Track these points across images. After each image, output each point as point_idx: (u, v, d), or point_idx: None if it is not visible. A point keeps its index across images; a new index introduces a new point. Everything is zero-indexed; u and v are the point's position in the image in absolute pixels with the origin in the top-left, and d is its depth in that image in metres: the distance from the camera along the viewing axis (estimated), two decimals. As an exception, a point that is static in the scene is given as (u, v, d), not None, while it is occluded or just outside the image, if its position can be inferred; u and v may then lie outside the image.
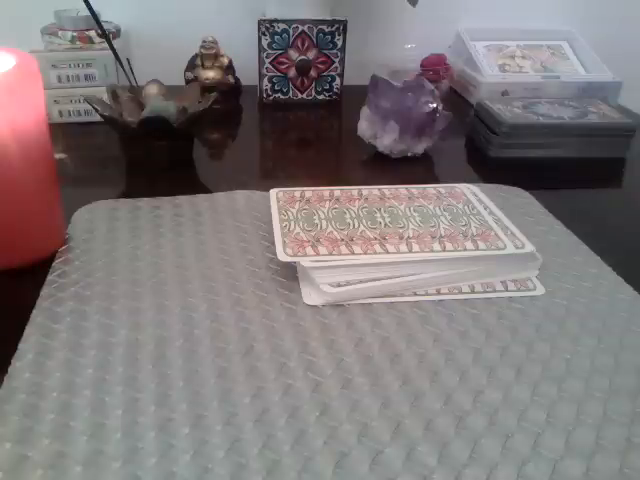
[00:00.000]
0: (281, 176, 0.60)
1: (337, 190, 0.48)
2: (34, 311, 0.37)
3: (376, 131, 0.62)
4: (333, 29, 0.75)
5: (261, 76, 0.78)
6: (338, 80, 0.79)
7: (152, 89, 0.61)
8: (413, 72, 0.79)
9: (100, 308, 0.38)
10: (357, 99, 0.66)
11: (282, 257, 0.40)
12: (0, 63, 0.37)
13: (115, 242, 0.45)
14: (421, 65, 0.84)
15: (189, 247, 0.45)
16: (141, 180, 0.57)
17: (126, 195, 0.52)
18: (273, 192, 0.48)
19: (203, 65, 0.77)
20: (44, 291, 0.39)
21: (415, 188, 0.49)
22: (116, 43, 0.66)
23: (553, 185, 0.59)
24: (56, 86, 0.67)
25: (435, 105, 0.60)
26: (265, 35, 0.75)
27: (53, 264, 0.42)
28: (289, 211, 0.45)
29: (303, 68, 0.77)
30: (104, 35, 0.58)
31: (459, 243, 0.42)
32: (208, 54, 0.76)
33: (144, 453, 0.28)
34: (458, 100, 0.85)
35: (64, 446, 0.28)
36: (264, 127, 0.75)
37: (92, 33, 0.71)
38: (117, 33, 0.75)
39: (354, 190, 0.48)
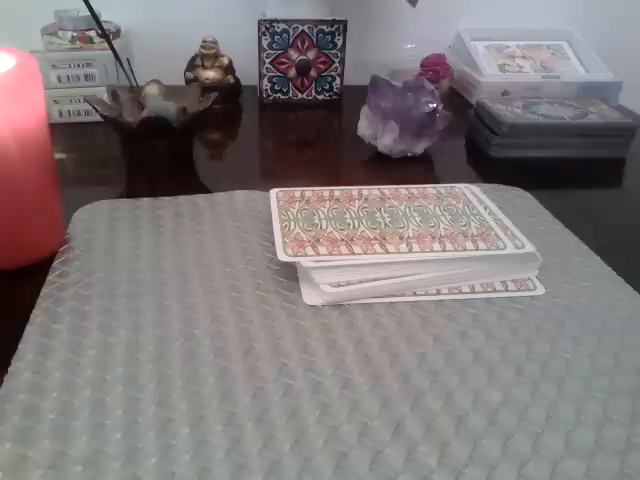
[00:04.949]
0: (281, 176, 0.60)
1: (337, 190, 0.48)
2: (34, 311, 0.37)
3: (376, 131, 0.62)
4: (333, 29, 0.75)
5: (261, 76, 0.78)
6: (338, 80, 0.79)
7: (152, 89, 0.61)
8: (413, 72, 0.79)
9: (100, 308, 0.38)
10: (357, 99, 0.66)
11: (282, 257, 0.40)
12: (0, 63, 0.37)
13: (115, 242, 0.45)
14: (421, 65, 0.84)
15: (189, 247, 0.45)
16: (141, 180, 0.57)
17: (126, 195, 0.52)
18: (273, 192, 0.48)
19: (203, 65, 0.77)
20: (44, 291, 0.39)
21: (415, 188, 0.49)
22: (116, 43, 0.66)
23: (553, 185, 0.59)
24: (56, 86, 0.67)
25: (435, 105, 0.60)
26: (265, 35, 0.75)
27: (53, 264, 0.42)
28: (289, 211, 0.45)
29: (303, 68, 0.77)
30: (104, 35, 0.58)
31: (459, 243, 0.42)
32: (208, 54, 0.76)
33: (144, 453, 0.28)
34: (458, 100, 0.85)
35: (64, 446, 0.28)
36: (264, 127, 0.75)
37: (92, 33, 0.71)
38: (117, 33, 0.75)
39: (354, 190, 0.48)
